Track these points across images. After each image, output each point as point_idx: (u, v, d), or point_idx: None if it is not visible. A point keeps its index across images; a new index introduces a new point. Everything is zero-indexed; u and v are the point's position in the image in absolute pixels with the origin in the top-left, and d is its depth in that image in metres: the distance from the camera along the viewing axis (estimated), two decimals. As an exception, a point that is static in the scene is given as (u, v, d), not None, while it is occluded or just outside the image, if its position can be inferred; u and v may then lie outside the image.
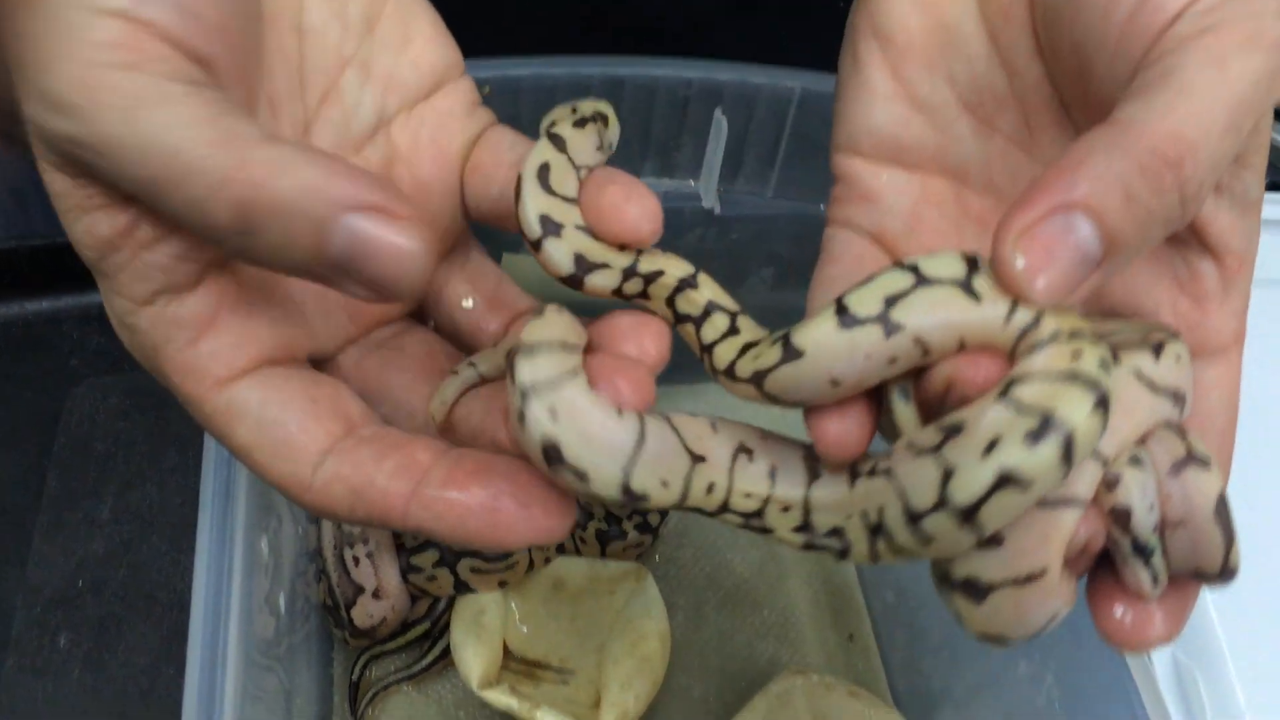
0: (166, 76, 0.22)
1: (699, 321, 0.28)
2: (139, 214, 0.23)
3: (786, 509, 0.25)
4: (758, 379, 0.24)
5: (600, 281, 0.27)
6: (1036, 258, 0.23)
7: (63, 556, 0.49)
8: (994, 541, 0.23)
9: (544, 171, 0.27)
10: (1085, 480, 0.23)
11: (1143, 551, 0.24)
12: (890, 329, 0.22)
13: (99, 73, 0.21)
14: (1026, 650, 0.38)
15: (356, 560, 0.44)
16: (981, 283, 0.23)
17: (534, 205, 0.27)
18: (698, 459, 0.25)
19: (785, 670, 0.47)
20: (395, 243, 0.21)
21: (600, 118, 0.29)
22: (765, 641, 0.50)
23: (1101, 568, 0.26)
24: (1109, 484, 0.24)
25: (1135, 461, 0.24)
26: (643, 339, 0.27)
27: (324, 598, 0.46)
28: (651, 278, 0.28)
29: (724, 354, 0.26)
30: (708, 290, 0.28)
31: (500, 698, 0.42)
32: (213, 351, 0.25)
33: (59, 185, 0.23)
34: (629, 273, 0.27)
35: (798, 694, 0.45)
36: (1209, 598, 0.48)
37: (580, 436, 0.22)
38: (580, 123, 0.29)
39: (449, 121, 0.29)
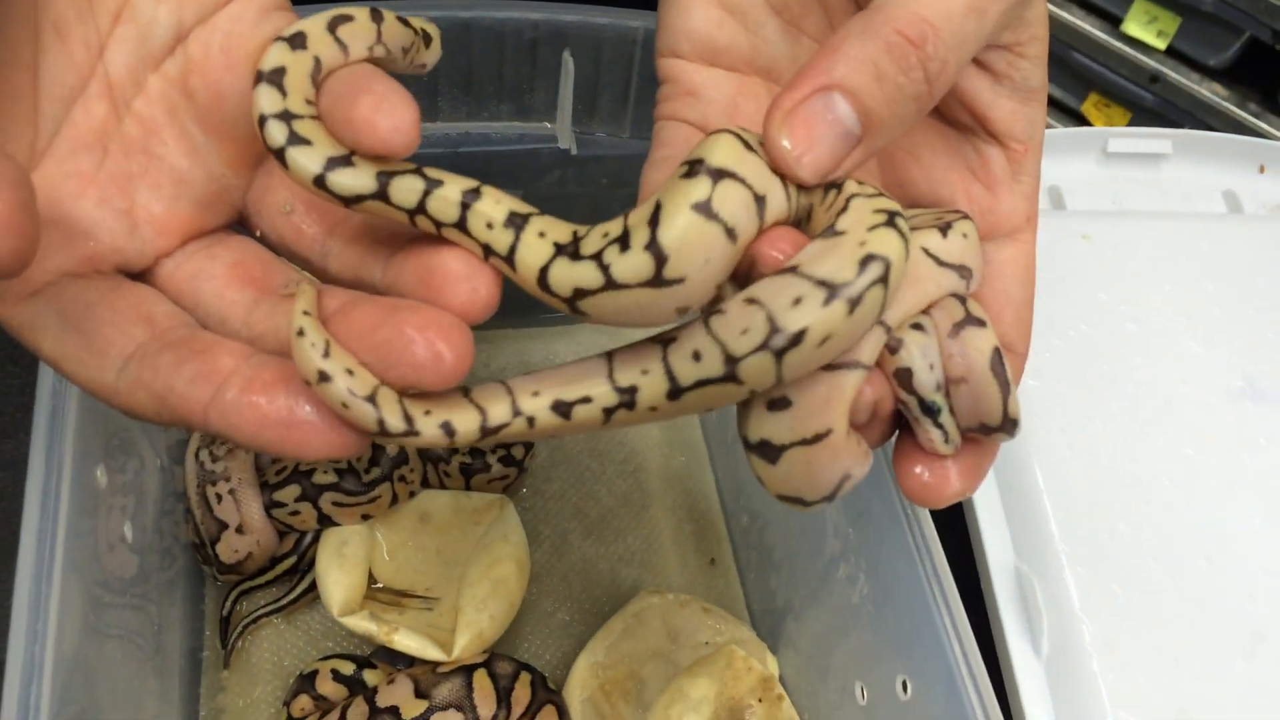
0: None
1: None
2: None
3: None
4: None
5: (349, 181, 0.25)
6: (799, 137, 0.25)
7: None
8: (783, 404, 0.25)
9: (278, 74, 0.25)
10: (868, 346, 0.25)
11: (930, 410, 0.26)
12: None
13: None
14: (844, 554, 0.40)
15: (219, 497, 0.46)
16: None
17: (270, 107, 0.25)
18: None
19: (643, 591, 0.49)
20: None
21: (412, 32, 0.28)
22: (629, 568, 0.52)
23: (904, 433, 0.28)
24: (892, 349, 0.26)
25: (917, 327, 0.26)
26: (475, 281, 0.25)
27: (191, 536, 0.47)
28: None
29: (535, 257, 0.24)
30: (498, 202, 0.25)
31: (360, 623, 0.44)
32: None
33: None
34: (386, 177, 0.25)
35: (653, 612, 0.48)
36: (1050, 512, 0.51)
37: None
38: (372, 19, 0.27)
39: (240, 26, 0.28)
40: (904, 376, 0.26)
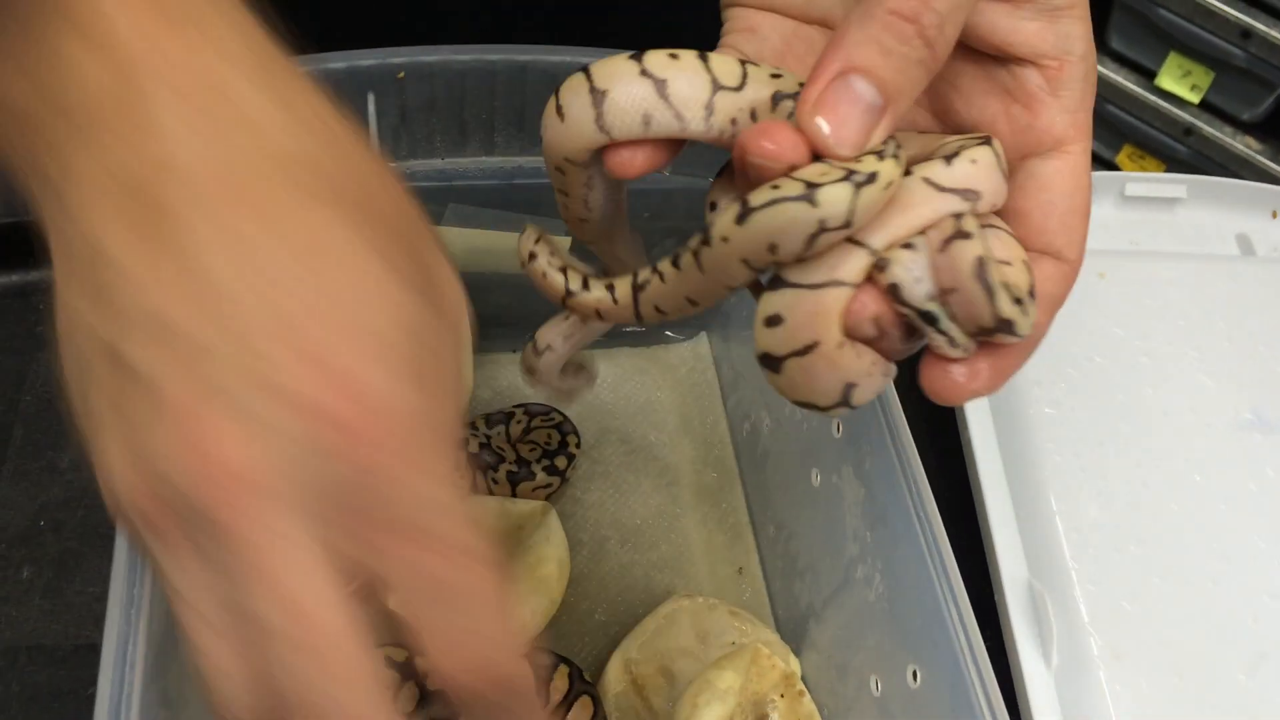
0: None
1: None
2: None
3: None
4: None
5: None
6: (833, 120, 0.29)
7: (26, 500, 0.55)
8: (777, 321, 0.29)
9: None
10: (846, 264, 0.29)
11: (929, 319, 0.29)
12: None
13: None
14: (862, 556, 0.43)
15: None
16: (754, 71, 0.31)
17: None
18: None
19: (674, 595, 0.52)
20: None
21: None
22: (662, 574, 0.55)
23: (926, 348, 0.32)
24: (880, 267, 0.29)
25: (908, 246, 0.30)
26: None
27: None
28: None
29: None
30: None
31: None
32: None
33: None
34: None
35: (684, 614, 0.51)
36: (1062, 531, 0.54)
37: None
38: None
39: None
40: (894, 291, 0.29)
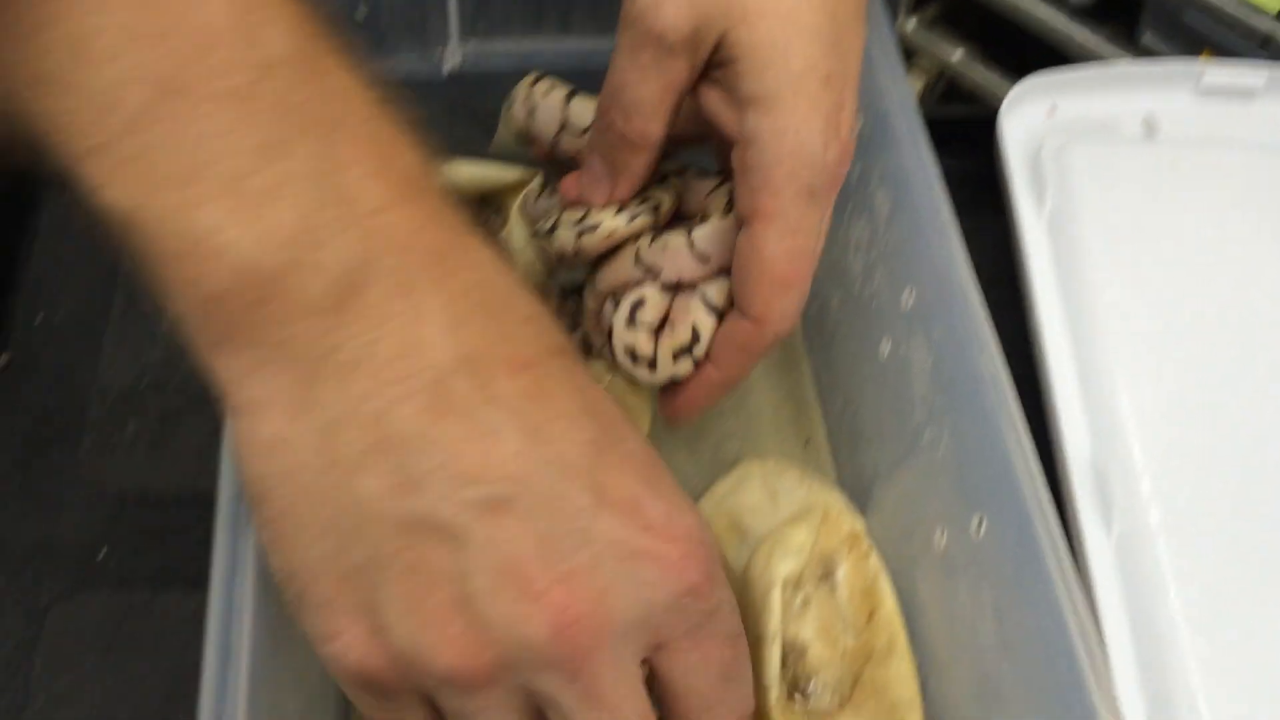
0: None
1: None
2: None
3: None
4: None
5: None
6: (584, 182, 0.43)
7: (129, 361, 0.58)
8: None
9: None
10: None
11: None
12: None
13: None
14: (930, 419, 0.45)
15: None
16: None
17: None
18: None
19: (745, 460, 0.54)
20: None
21: None
22: (732, 442, 0.57)
23: None
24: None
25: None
26: None
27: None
28: None
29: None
30: None
31: None
32: None
33: None
34: None
35: (755, 475, 0.53)
36: (1126, 404, 0.55)
37: None
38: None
39: None
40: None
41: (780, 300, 0.39)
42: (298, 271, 0.27)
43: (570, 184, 0.43)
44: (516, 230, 0.50)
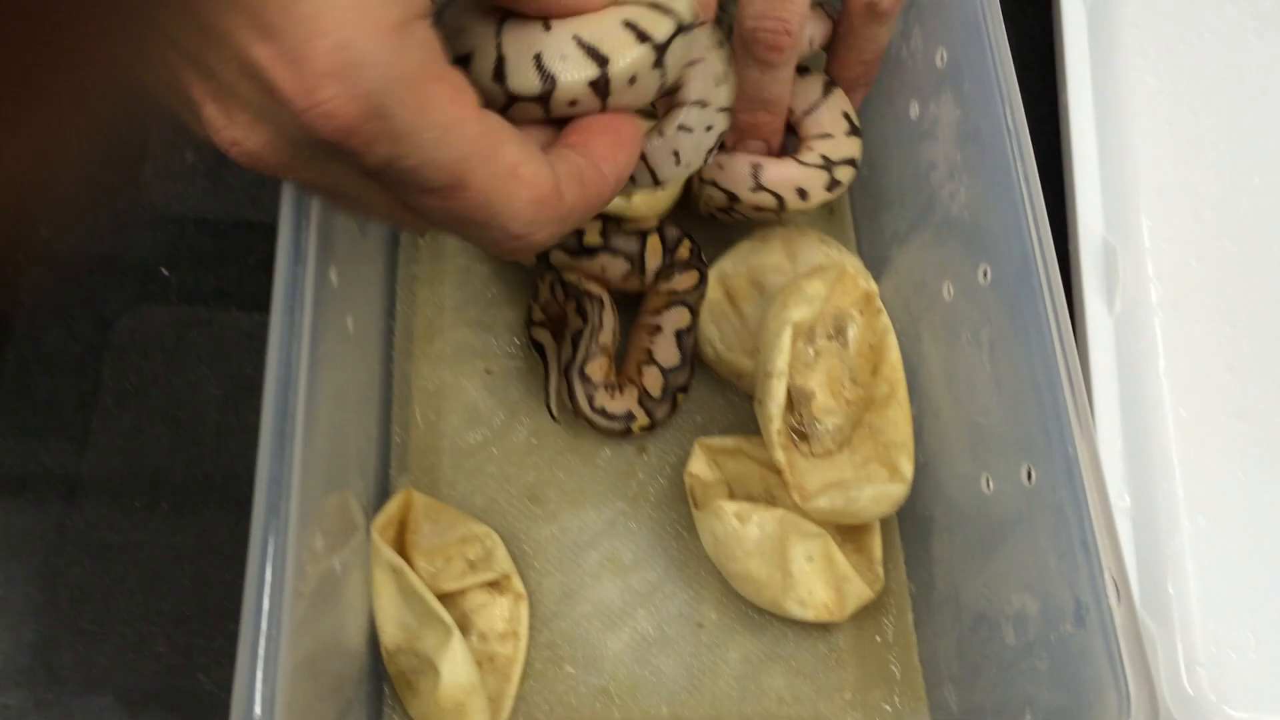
0: None
1: None
2: None
3: None
4: None
5: None
6: None
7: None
8: None
9: None
10: None
11: None
12: None
13: None
14: (949, 174, 0.47)
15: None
16: None
17: None
18: None
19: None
20: None
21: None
22: (759, 205, 0.59)
23: None
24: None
25: None
26: None
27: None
28: None
29: None
30: None
31: None
32: (460, 74, 0.28)
33: None
34: None
35: (776, 236, 0.55)
36: (1142, 191, 0.57)
37: None
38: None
39: None
40: None
41: None
42: None
43: None
44: None
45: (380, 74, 0.26)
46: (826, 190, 0.50)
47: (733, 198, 0.51)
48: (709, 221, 0.54)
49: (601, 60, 0.33)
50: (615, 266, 0.51)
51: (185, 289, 0.55)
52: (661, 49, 0.34)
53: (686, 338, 0.53)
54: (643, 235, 0.52)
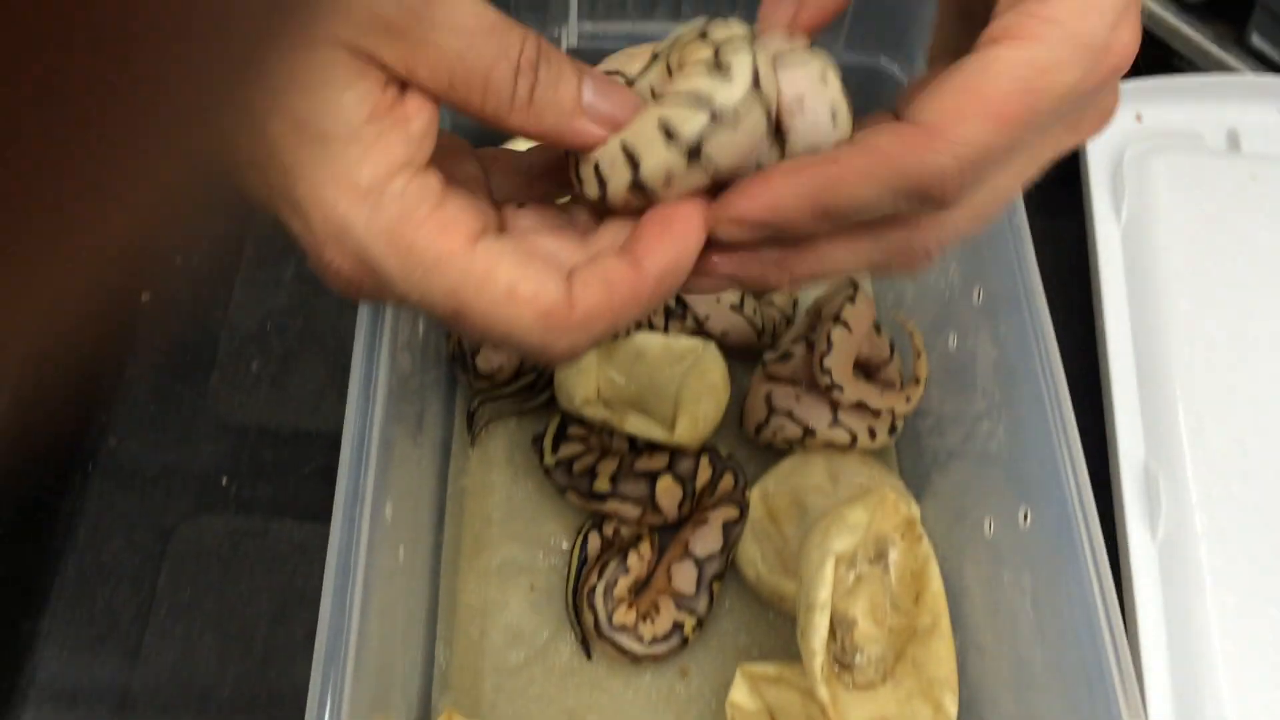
0: None
1: None
2: (400, 93, 0.29)
3: None
4: None
5: None
6: None
7: (255, 305, 0.63)
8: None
9: None
10: None
11: None
12: None
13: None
14: (989, 411, 0.48)
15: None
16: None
17: None
18: None
19: (812, 440, 0.57)
20: (622, 90, 0.33)
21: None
22: (802, 421, 0.60)
23: None
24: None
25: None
26: None
27: (453, 349, 0.58)
28: None
29: None
30: None
31: (596, 411, 0.54)
32: (460, 209, 0.30)
33: (337, 56, 0.28)
34: None
35: (818, 455, 0.56)
36: (1182, 416, 0.57)
37: None
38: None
39: None
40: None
41: (974, 128, 0.29)
42: None
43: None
44: None
45: (360, 233, 0.29)
46: (889, 434, 0.55)
47: (809, 432, 0.54)
48: (750, 443, 0.56)
49: (635, 164, 0.32)
50: (626, 510, 0.53)
51: (243, 499, 0.57)
52: (694, 145, 0.31)
53: (733, 529, 0.54)
54: (653, 476, 0.53)
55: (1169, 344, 0.59)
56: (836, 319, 0.53)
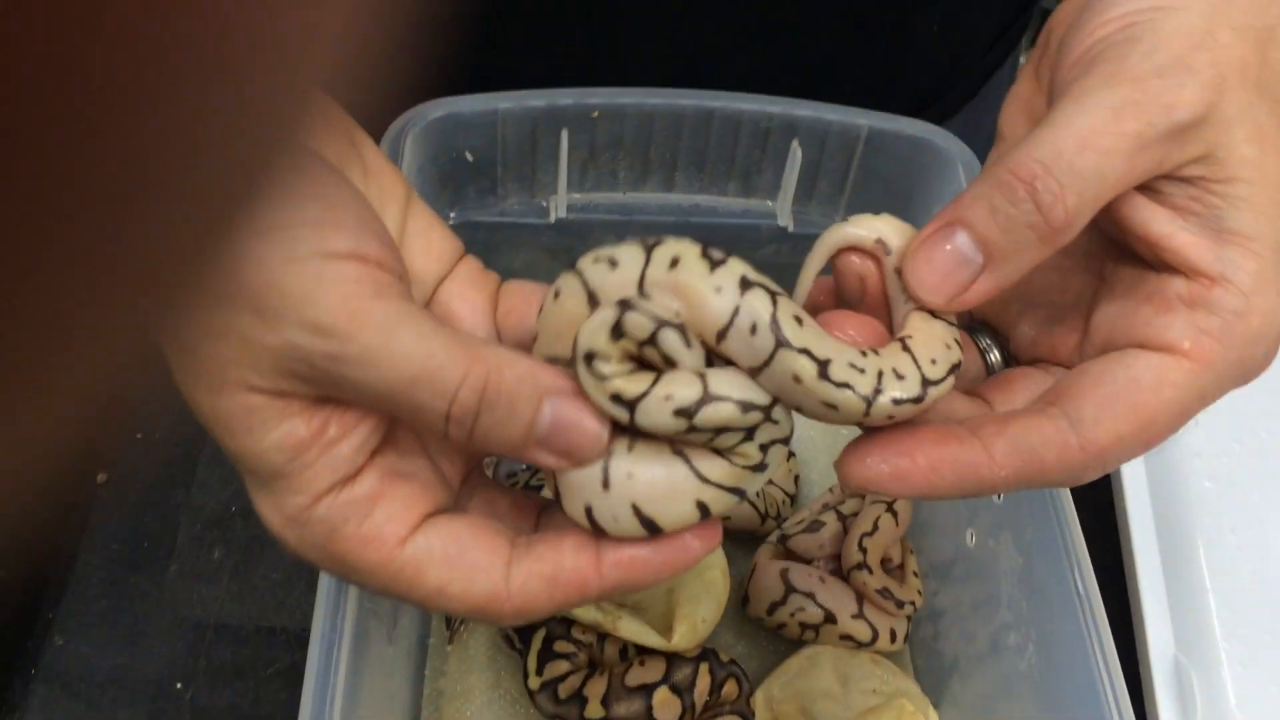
0: (401, 297, 0.27)
1: None
2: (329, 415, 0.28)
3: None
4: None
5: None
6: (924, 266, 0.30)
7: (220, 486, 0.59)
8: None
9: None
10: None
11: None
12: None
13: (356, 302, 0.26)
14: (1015, 624, 0.44)
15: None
16: None
17: None
18: None
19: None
20: (586, 423, 0.28)
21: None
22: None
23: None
24: None
25: None
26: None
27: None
28: None
29: None
30: None
31: (588, 613, 0.49)
32: (388, 516, 0.29)
33: (253, 401, 0.27)
34: None
35: (826, 657, 0.52)
36: (1215, 609, 0.54)
37: None
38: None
39: (469, 287, 0.34)
40: None
41: (1126, 450, 0.30)
42: None
43: (925, 266, 0.30)
44: None
45: (294, 546, 0.29)
46: (904, 640, 0.52)
47: (830, 619, 0.51)
48: (752, 633, 0.51)
49: (652, 527, 0.29)
50: None
51: (198, 707, 0.52)
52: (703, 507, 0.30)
53: None
54: (649, 689, 0.48)
55: (1193, 529, 0.55)
56: (890, 507, 0.52)
